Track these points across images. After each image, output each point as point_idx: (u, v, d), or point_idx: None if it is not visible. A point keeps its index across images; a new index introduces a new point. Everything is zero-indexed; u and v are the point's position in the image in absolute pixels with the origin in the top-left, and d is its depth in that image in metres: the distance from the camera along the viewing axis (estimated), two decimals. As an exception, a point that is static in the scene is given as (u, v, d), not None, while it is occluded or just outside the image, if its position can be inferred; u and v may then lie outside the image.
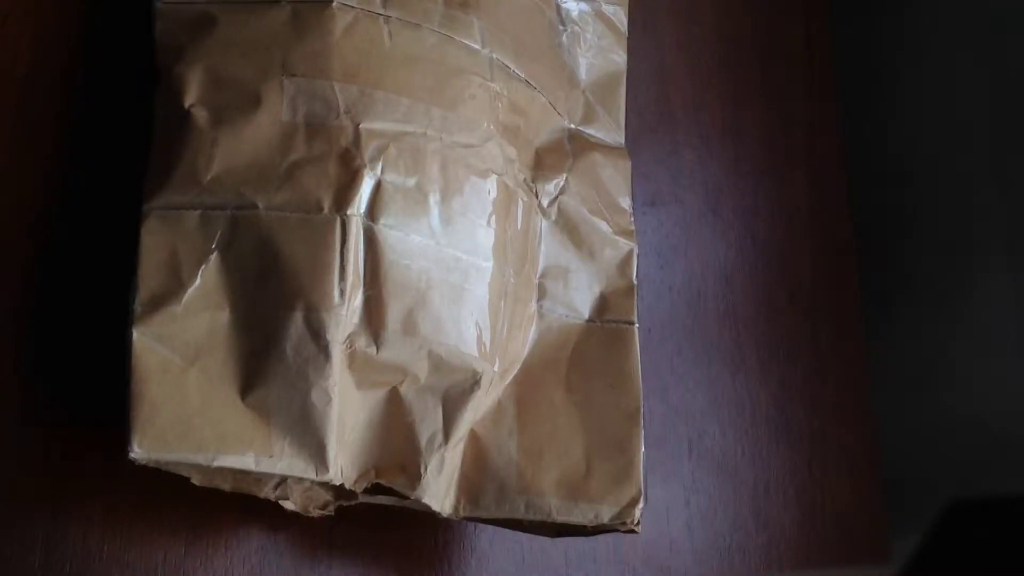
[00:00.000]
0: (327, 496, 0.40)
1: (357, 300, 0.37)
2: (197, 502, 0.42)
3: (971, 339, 0.57)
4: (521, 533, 0.48)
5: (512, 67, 0.43)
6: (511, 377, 0.42)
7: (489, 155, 0.40)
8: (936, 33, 0.61)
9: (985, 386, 0.56)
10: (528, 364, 0.42)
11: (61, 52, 0.44)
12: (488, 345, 0.40)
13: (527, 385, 0.42)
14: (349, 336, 0.37)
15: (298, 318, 0.36)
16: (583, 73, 0.47)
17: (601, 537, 0.49)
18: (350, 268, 0.36)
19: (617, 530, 0.41)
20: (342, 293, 0.36)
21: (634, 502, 0.40)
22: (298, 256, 0.36)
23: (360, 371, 0.38)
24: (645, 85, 0.55)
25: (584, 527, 0.41)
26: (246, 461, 0.36)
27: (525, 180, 0.43)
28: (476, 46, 0.41)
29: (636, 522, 0.41)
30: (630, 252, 0.45)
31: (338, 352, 0.36)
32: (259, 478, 0.38)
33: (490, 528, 0.47)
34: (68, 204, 0.42)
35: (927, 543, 0.28)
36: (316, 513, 0.40)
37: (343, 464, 0.37)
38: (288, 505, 0.40)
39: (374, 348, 0.37)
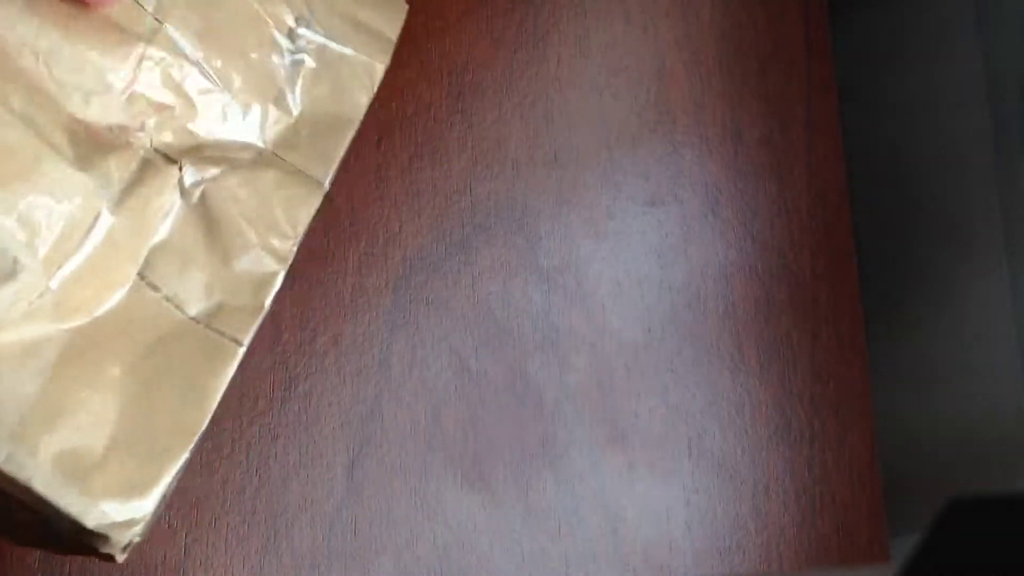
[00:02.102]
0: None
1: None
2: (197, 502, 0.42)
3: (971, 339, 0.57)
4: (522, 533, 0.48)
5: (186, 48, 0.40)
6: (72, 324, 0.37)
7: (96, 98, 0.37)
8: (936, 33, 0.61)
9: (985, 386, 0.56)
10: (99, 324, 0.37)
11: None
12: (47, 250, 0.36)
13: (87, 343, 0.37)
14: None
15: None
16: (299, 103, 0.44)
17: (601, 537, 0.49)
18: None
19: (96, 550, 0.35)
20: None
21: (133, 523, 0.35)
22: None
23: None
24: (645, 85, 0.55)
25: (61, 526, 0.35)
26: None
27: (166, 150, 0.40)
28: (147, 8, 0.39)
29: (124, 547, 0.35)
30: (273, 274, 0.40)
31: None
32: None
33: (490, 528, 0.47)
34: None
35: (926, 542, 0.28)
36: None
37: None
38: None
39: None
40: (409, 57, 0.48)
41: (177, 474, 0.36)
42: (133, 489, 0.35)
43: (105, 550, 0.35)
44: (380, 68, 0.46)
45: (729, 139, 0.56)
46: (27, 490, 0.34)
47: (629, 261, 0.53)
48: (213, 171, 0.40)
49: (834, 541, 0.53)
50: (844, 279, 0.57)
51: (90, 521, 0.34)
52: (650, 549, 0.49)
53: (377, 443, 0.47)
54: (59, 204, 0.36)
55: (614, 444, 0.50)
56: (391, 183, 0.50)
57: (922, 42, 0.62)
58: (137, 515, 0.35)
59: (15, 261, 0.35)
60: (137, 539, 0.35)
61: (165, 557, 0.42)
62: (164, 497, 0.36)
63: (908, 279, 0.61)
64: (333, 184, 0.48)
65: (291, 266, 0.46)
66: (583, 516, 0.49)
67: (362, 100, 0.46)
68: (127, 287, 0.38)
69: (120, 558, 0.35)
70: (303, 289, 0.47)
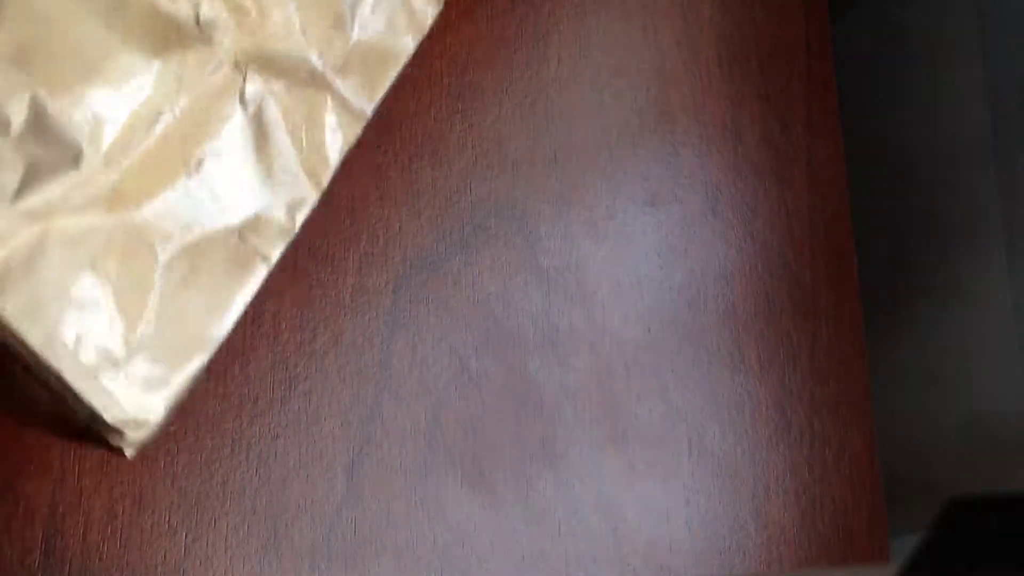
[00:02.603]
0: None
1: None
2: (197, 502, 0.42)
3: (971, 339, 0.57)
4: (522, 533, 0.48)
5: None
6: (120, 216, 0.37)
7: None
8: (936, 33, 0.61)
9: (985, 386, 0.56)
10: (145, 219, 0.38)
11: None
12: (110, 143, 0.36)
13: (131, 236, 0.37)
14: None
15: None
16: (356, 31, 0.44)
17: (601, 537, 0.49)
18: None
19: (106, 441, 0.36)
20: None
21: (146, 422, 0.36)
22: None
23: None
24: (645, 85, 0.55)
25: (79, 412, 0.36)
26: None
27: (237, 56, 0.40)
28: None
29: (136, 444, 0.36)
30: (307, 198, 0.41)
31: None
32: None
33: (490, 528, 0.47)
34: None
35: (927, 542, 0.28)
36: None
37: None
38: None
39: None
40: (409, 57, 0.48)
41: (193, 381, 0.37)
42: (152, 388, 0.36)
43: (117, 443, 0.35)
44: (432, 12, 0.47)
45: (729, 139, 0.56)
46: (57, 377, 0.35)
47: (629, 261, 0.53)
48: (273, 85, 0.41)
49: (834, 541, 0.53)
50: (844, 279, 0.57)
51: (109, 415, 0.35)
52: (650, 549, 0.49)
53: (377, 443, 0.47)
54: (126, 99, 0.36)
55: (614, 444, 0.50)
56: (391, 183, 0.50)
57: (922, 42, 0.62)
58: (151, 415, 0.35)
59: (79, 152, 0.35)
60: (148, 438, 0.36)
61: (165, 557, 0.42)
62: (177, 401, 0.36)
63: (908, 279, 0.61)
64: (333, 184, 0.48)
65: (296, 265, 0.46)
66: (583, 516, 0.49)
67: (409, 43, 0.46)
68: (176, 185, 0.38)
69: (129, 453, 0.36)
70: (303, 289, 0.47)
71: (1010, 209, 0.55)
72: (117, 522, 0.41)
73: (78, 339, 0.35)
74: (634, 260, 0.53)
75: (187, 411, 0.44)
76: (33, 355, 0.35)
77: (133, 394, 0.36)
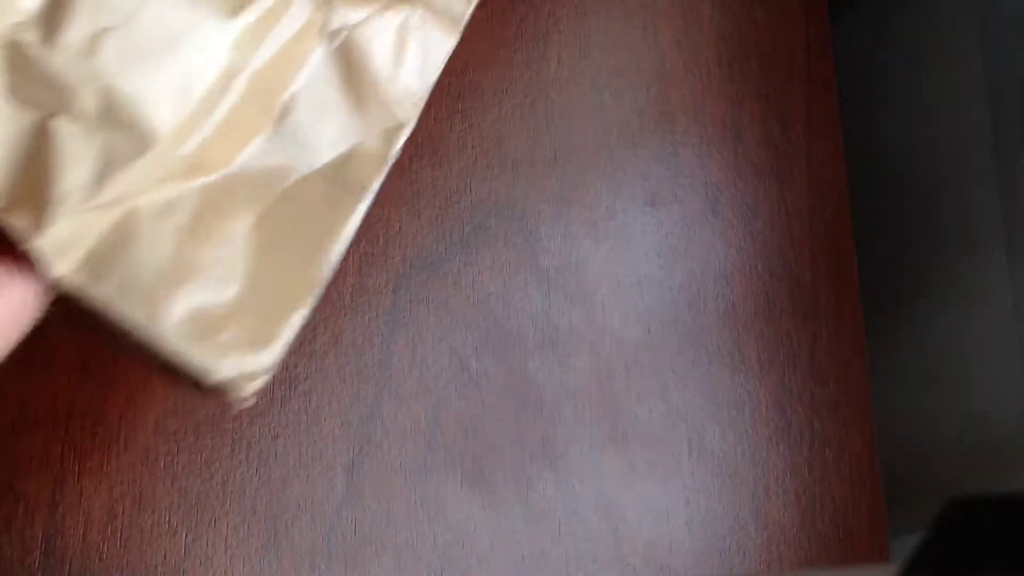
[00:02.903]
0: None
1: None
2: (197, 502, 0.42)
3: (971, 339, 0.57)
4: (522, 533, 0.48)
5: None
6: (205, 181, 0.36)
7: None
8: (936, 33, 0.61)
9: (985, 386, 0.56)
10: (231, 179, 0.37)
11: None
12: (183, 117, 0.35)
13: (218, 199, 0.37)
14: (17, 23, 0.32)
15: None
16: None
17: (601, 537, 0.49)
18: None
19: (222, 397, 0.35)
20: None
21: (255, 376, 0.35)
22: None
23: (16, 73, 0.33)
24: (645, 85, 0.55)
25: (193, 375, 0.35)
26: None
27: None
28: None
29: (249, 395, 0.35)
30: (399, 126, 0.39)
31: None
32: None
33: (490, 528, 0.47)
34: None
35: (927, 542, 0.28)
36: None
37: None
38: None
39: (41, 50, 0.32)
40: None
41: (299, 328, 0.36)
42: (257, 344, 0.35)
43: (231, 398, 0.35)
44: None
45: (729, 139, 0.56)
46: (161, 353, 0.34)
47: (629, 261, 0.53)
48: (360, 12, 0.39)
49: (834, 541, 0.53)
50: (844, 279, 0.57)
51: (213, 378, 0.34)
52: (650, 549, 0.49)
53: (377, 443, 0.47)
54: (205, 69, 0.35)
55: (614, 444, 0.50)
56: (391, 183, 0.50)
57: (922, 42, 0.62)
58: (259, 369, 0.35)
59: (157, 131, 0.34)
60: (258, 389, 0.35)
61: (165, 557, 0.42)
62: (285, 350, 0.36)
63: (908, 279, 0.61)
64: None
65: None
66: (583, 516, 0.49)
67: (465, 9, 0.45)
68: (260, 140, 0.37)
69: (246, 403, 0.35)
70: (303, 289, 0.47)
71: (1010, 209, 0.55)
72: (117, 522, 0.41)
73: (179, 312, 0.34)
74: (634, 260, 0.53)
75: (187, 411, 0.44)
76: (133, 334, 0.34)
77: (239, 356, 0.35)
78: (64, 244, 0.33)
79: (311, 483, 0.46)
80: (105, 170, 0.34)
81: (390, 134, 0.39)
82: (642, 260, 0.53)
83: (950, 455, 0.57)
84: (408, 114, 0.39)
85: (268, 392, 0.46)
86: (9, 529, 0.40)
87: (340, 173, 0.38)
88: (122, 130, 0.34)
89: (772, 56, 0.59)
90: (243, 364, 0.35)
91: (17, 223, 0.32)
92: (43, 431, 0.41)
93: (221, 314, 0.35)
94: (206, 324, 0.35)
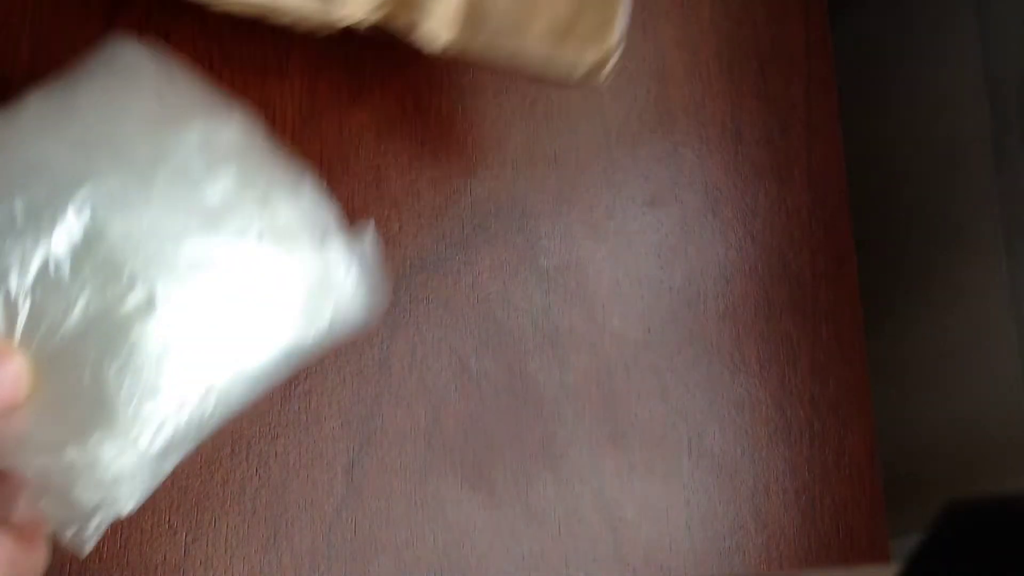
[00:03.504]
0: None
1: None
2: (197, 502, 0.42)
3: (971, 339, 0.57)
4: (522, 533, 0.48)
5: None
6: None
7: None
8: (936, 33, 0.61)
9: (985, 386, 0.56)
10: None
11: (61, 52, 0.44)
12: None
13: None
14: None
15: None
16: None
17: (601, 537, 0.49)
18: None
19: (587, 83, 0.44)
20: None
21: (609, 55, 0.44)
22: None
23: None
24: (645, 85, 0.55)
25: (562, 73, 0.44)
26: None
27: None
28: None
29: (607, 74, 0.44)
30: None
31: None
32: None
33: (490, 528, 0.47)
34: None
35: (926, 542, 0.28)
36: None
37: None
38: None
39: None
40: (410, 57, 0.48)
41: (626, 6, 0.45)
42: (601, 30, 0.44)
43: (592, 79, 0.44)
44: None
45: (729, 139, 0.56)
46: (530, 62, 0.44)
47: (629, 261, 0.53)
48: None
49: (834, 541, 0.53)
50: (844, 279, 0.57)
51: (576, 72, 0.44)
52: (650, 549, 0.49)
53: (377, 443, 0.47)
54: None
55: (614, 444, 0.50)
56: (391, 183, 0.50)
57: (922, 42, 0.62)
58: (611, 45, 0.44)
59: None
60: (613, 67, 0.44)
61: (165, 557, 0.42)
62: (623, 34, 0.45)
63: (908, 279, 0.61)
64: (331, 184, 0.48)
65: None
66: (583, 516, 0.49)
67: None
68: None
69: (606, 77, 0.44)
70: (303, 289, 0.47)
71: (1010, 209, 0.55)
72: (117, 522, 0.41)
73: (539, 30, 0.44)
74: (634, 260, 0.53)
75: (187, 411, 0.44)
76: (512, 60, 0.45)
77: (591, 42, 0.44)
78: (443, 21, 0.44)
79: (311, 483, 0.46)
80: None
81: None
82: (642, 260, 0.53)
83: (950, 455, 0.57)
84: None
85: (268, 392, 0.46)
86: (9, 529, 0.40)
87: None
88: None
89: (772, 56, 0.59)
90: (597, 52, 0.44)
91: (403, 21, 0.44)
92: (43, 431, 0.41)
93: (568, 19, 0.45)
94: (560, 31, 0.44)
